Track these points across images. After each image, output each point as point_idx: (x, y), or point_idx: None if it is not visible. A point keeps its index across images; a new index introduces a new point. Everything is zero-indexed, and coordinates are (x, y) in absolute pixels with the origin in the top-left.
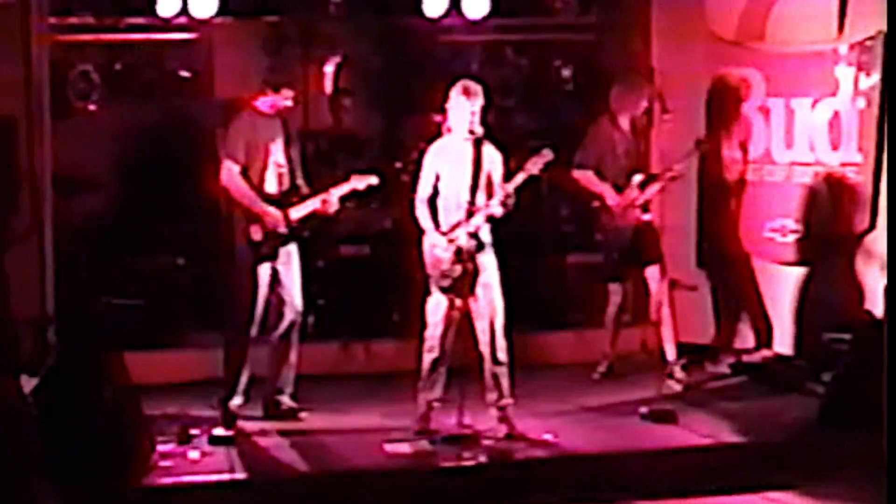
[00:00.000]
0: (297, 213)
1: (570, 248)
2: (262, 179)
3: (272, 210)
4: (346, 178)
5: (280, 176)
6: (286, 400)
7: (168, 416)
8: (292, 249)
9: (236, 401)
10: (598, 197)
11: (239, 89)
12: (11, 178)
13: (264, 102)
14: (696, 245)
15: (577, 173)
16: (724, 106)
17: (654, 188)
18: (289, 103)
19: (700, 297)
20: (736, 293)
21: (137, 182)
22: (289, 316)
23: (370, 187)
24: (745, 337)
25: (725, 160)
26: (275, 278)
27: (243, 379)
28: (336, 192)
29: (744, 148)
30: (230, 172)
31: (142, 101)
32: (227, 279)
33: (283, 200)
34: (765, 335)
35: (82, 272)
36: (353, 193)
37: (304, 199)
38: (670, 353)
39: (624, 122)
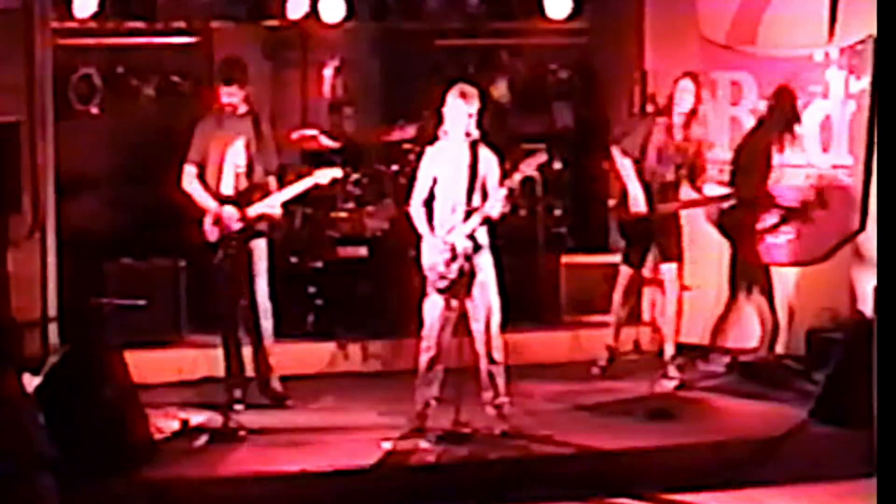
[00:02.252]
0: (254, 210)
1: (564, 248)
2: (218, 180)
3: (225, 209)
4: (308, 173)
5: (237, 176)
6: (275, 384)
7: (168, 415)
8: (258, 245)
9: (235, 397)
10: (623, 187)
11: None
12: (15, 180)
13: (224, 98)
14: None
15: (617, 156)
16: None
17: (677, 206)
18: (235, 101)
19: (695, 296)
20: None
21: (139, 184)
22: (258, 306)
23: (368, 188)
24: (740, 336)
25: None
26: (241, 273)
27: (237, 375)
28: (298, 187)
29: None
30: (189, 176)
31: (143, 104)
32: (200, 280)
33: (241, 199)
34: (772, 336)
35: (84, 272)
36: (351, 195)
37: (265, 196)
38: (669, 351)
39: (678, 133)
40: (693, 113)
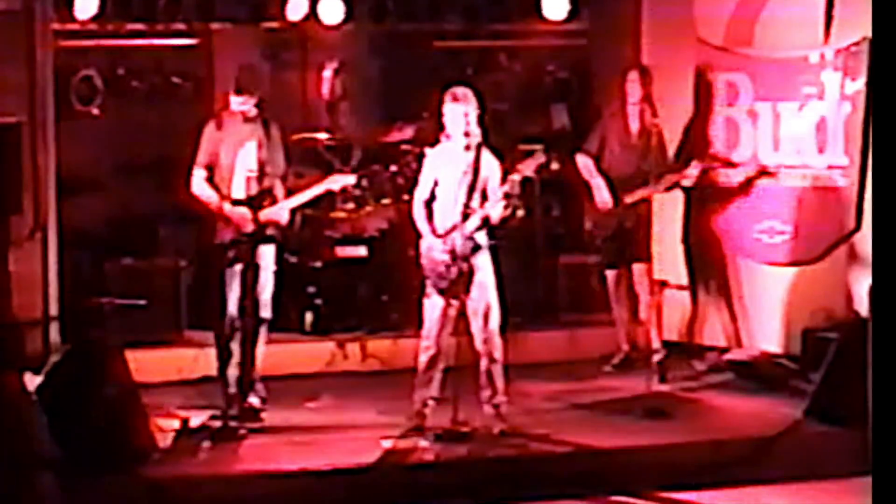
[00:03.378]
0: (265, 215)
1: (562, 248)
2: (230, 184)
3: (239, 210)
4: (321, 179)
5: (248, 180)
6: (253, 399)
7: (169, 413)
8: (266, 251)
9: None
10: (587, 186)
11: None
12: (16, 180)
13: (234, 106)
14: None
15: (579, 158)
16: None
17: (643, 192)
18: (246, 108)
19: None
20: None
21: (139, 184)
22: (259, 316)
23: (365, 189)
24: (718, 334)
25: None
26: (248, 279)
27: (232, 376)
28: (310, 193)
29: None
30: (199, 179)
31: (143, 106)
32: (206, 281)
33: (253, 203)
34: (735, 336)
35: (85, 272)
36: (351, 195)
37: (275, 200)
38: (655, 348)
39: (634, 123)
40: (643, 103)
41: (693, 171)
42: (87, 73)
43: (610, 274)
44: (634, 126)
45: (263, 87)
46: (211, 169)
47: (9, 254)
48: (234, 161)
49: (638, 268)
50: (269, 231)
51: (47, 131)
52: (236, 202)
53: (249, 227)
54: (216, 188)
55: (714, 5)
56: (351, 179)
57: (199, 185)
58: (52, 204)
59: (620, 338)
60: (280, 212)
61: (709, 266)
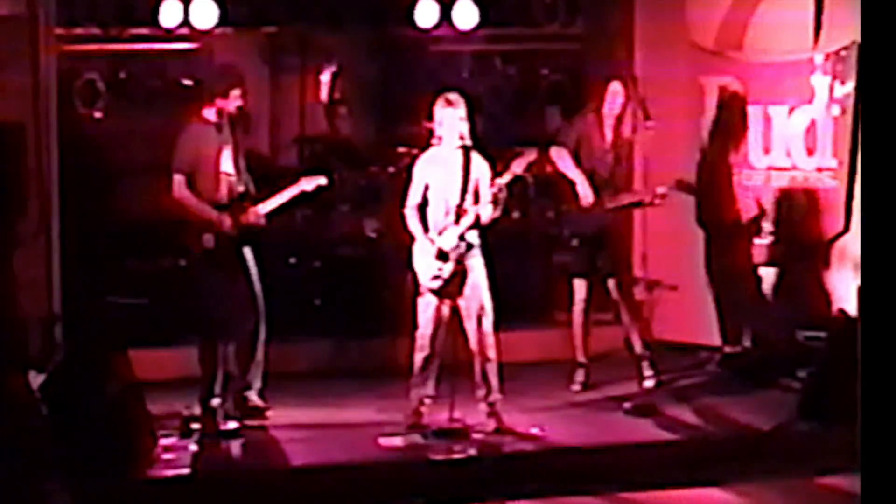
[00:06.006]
0: (246, 218)
1: (556, 248)
2: (212, 188)
3: (222, 214)
4: (295, 181)
5: (230, 184)
6: (254, 397)
7: (171, 412)
8: (249, 253)
9: (214, 402)
10: (568, 181)
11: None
12: (20, 182)
13: (209, 111)
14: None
15: (553, 150)
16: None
17: (623, 200)
18: (238, 103)
19: (687, 295)
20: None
21: (140, 186)
22: (252, 315)
23: (365, 190)
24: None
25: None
26: (235, 280)
27: (218, 379)
28: (285, 196)
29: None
30: (180, 186)
31: (145, 109)
32: (189, 284)
33: (234, 206)
34: (726, 335)
35: (88, 273)
36: (349, 197)
37: (254, 203)
38: (637, 350)
39: (608, 132)
40: (622, 116)
41: (661, 190)
42: (89, 76)
43: (578, 283)
44: (609, 135)
45: (251, 87)
46: (190, 174)
47: (13, 254)
48: (217, 165)
49: (612, 282)
50: (249, 233)
51: (51, 134)
52: (218, 206)
53: (233, 231)
54: (197, 193)
55: (706, 10)
56: (322, 180)
57: (179, 190)
58: (55, 205)
59: (577, 349)
60: (259, 214)
61: (701, 266)
